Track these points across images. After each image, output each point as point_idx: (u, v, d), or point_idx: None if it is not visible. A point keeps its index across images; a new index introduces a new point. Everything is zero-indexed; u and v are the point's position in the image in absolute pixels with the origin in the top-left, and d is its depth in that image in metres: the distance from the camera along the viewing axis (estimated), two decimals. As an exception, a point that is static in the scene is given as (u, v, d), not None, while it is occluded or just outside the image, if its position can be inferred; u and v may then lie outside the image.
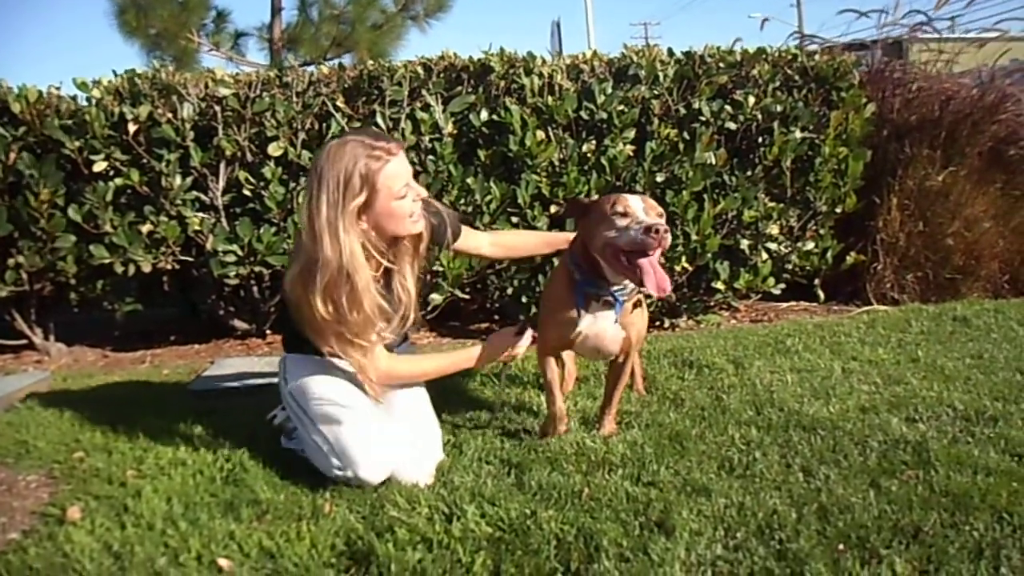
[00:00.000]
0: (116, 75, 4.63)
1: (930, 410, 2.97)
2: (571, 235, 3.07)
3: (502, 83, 4.66)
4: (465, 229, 3.05)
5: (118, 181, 4.42)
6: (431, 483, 2.53)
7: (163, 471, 2.68)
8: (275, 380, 3.74)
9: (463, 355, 2.90)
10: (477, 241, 3.15)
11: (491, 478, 2.50)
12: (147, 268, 4.50)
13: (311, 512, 2.33)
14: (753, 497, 2.27)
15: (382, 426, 2.63)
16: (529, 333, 2.91)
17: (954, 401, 3.05)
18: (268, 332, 5.09)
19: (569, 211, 2.81)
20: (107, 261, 4.45)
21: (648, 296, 2.75)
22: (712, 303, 5.13)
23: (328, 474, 2.55)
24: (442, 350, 4.32)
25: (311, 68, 4.80)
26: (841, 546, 1.99)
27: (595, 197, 2.76)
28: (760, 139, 4.88)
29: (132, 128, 4.36)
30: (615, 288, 2.66)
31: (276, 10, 11.96)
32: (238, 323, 5.03)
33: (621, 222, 2.50)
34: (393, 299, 2.64)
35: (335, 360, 2.70)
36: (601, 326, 2.72)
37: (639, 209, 2.51)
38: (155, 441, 3.00)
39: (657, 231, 2.41)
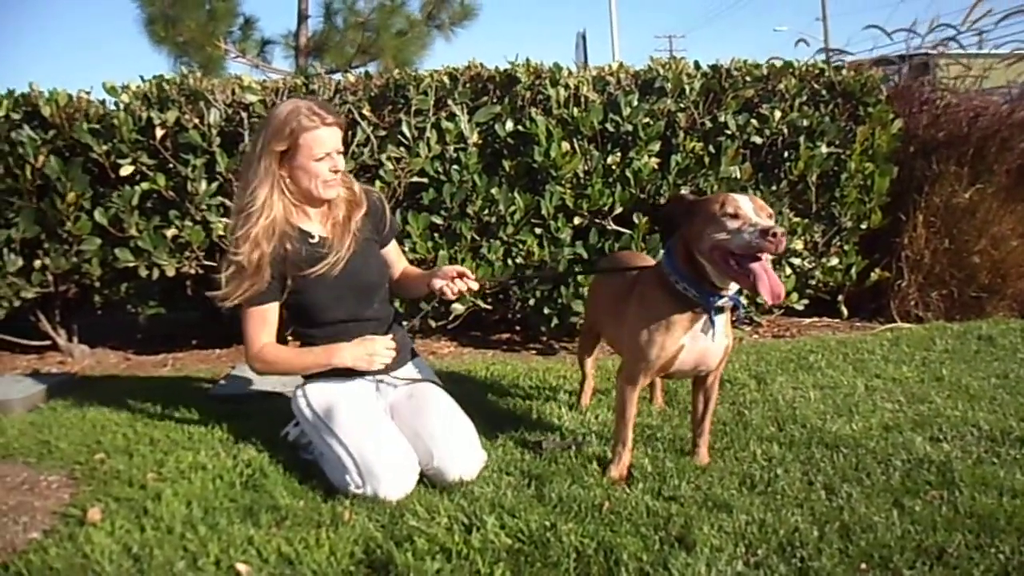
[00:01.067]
0: (144, 80, 4.67)
1: (954, 430, 2.94)
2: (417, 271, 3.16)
3: (528, 94, 4.66)
4: (396, 245, 3.22)
5: (144, 185, 4.44)
6: (475, 476, 2.61)
7: (183, 475, 2.69)
8: (293, 386, 3.79)
9: (325, 356, 2.85)
10: (396, 266, 3.22)
11: (511, 489, 2.49)
12: (171, 272, 4.52)
13: (330, 519, 2.33)
14: (775, 514, 2.25)
15: (400, 442, 2.65)
16: (389, 340, 2.86)
17: (979, 421, 3.02)
18: (289, 338, 5.09)
19: (671, 209, 2.67)
20: (132, 264, 4.47)
21: (733, 300, 2.56)
22: (734, 318, 5.08)
23: (343, 489, 2.54)
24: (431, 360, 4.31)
25: (337, 76, 4.81)
26: (863, 566, 1.98)
27: (697, 197, 2.58)
28: (786, 153, 4.85)
29: (159, 133, 4.39)
30: (729, 292, 2.52)
31: (303, 17, 12.00)
32: (260, 328, 5.03)
33: (732, 224, 2.36)
34: (322, 247, 2.84)
35: (352, 380, 2.86)
36: (708, 337, 2.57)
37: (750, 210, 2.37)
38: (176, 444, 3.02)
39: (775, 234, 2.27)
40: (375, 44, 12.01)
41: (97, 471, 2.80)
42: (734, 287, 2.51)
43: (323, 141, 2.76)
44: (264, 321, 2.85)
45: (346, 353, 2.80)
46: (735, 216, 2.36)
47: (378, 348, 2.82)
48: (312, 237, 2.85)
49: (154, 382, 4.27)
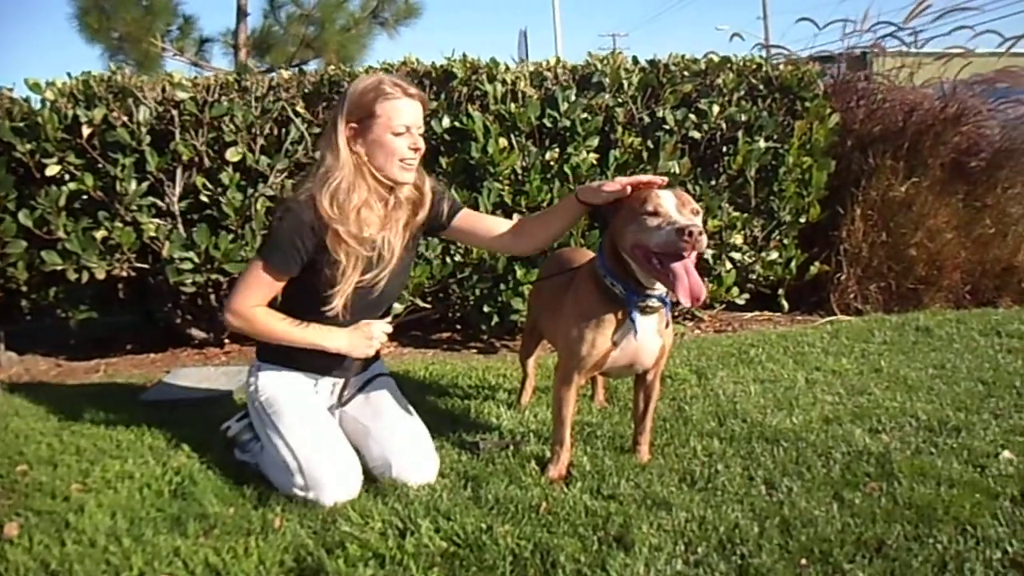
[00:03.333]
0: (71, 77, 4.53)
1: (893, 420, 2.95)
2: (566, 198, 2.83)
3: (464, 89, 4.61)
4: (471, 213, 2.91)
5: (71, 186, 4.31)
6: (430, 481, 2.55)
7: (109, 485, 2.59)
8: (229, 390, 3.71)
9: (320, 337, 2.62)
10: (489, 224, 2.88)
11: (447, 491, 2.44)
12: (101, 275, 4.39)
13: (260, 527, 2.25)
14: (715, 511, 2.23)
15: (348, 449, 2.59)
16: (386, 324, 2.73)
17: (917, 411, 3.04)
18: (226, 341, 4.99)
19: (598, 212, 2.60)
20: (59, 268, 4.33)
21: (677, 303, 2.48)
22: (675, 313, 5.10)
23: (285, 491, 2.48)
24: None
25: (271, 73, 4.72)
26: (804, 561, 1.96)
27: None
28: (724, 148, 4.87)
29: (86, 131, 4.26)
30: (656, 291, 2.45)
31: (242, 14, 11.81)
32: (195, 332, 4.92)
33: (652, 221, 2.29)
34: (376, 251, 2.59)
35: (308, 376, 2.73)
36: (642, 336, 2.50)
37: (671, 207, 2.29)
38: (103, 453, 2.91)
39: (690, 234, 2.19)
40: (318, 39, 11.87)
41: (18, 484, 2.68)
42: (657, 289, 2.45)
43: (403, 112, 2.54)
44: (271, 286, 2.57)
45: (344, 339, 2.63)
46: (655, 213, 2.30)
47: (376, 332, 2.68)
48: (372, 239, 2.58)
49: (84, 389, 4.13)
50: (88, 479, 2.65)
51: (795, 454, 2.64)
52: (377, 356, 2.92)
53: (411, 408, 2.82)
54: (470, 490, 2.44)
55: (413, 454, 2.61)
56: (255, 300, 2.57)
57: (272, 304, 2.63)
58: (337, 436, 2.62)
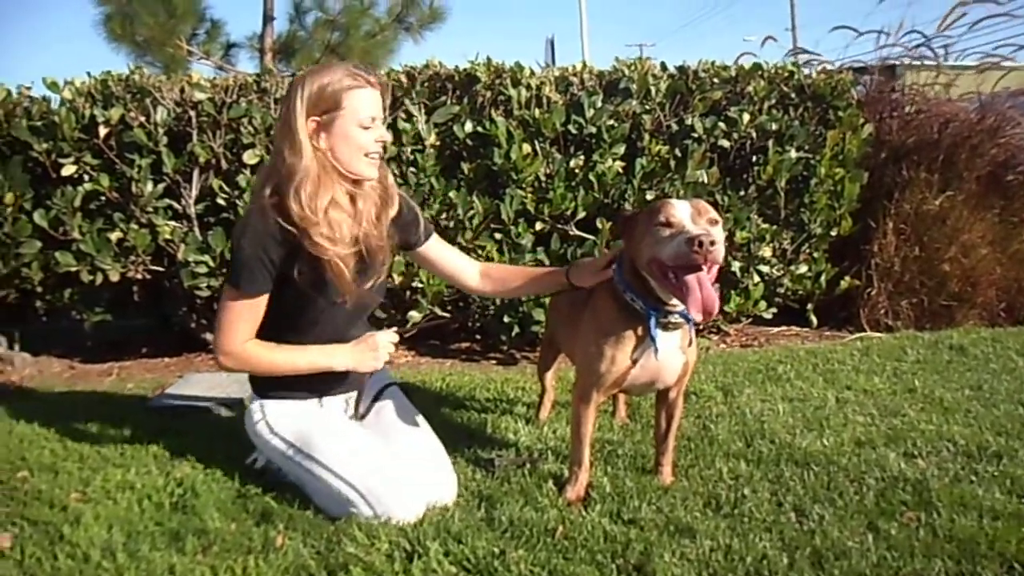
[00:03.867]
0: (90, 76, 4.48)
1: (929, 445, 2.81)
2: (556, 270, 2.86)
3: (488, 94, 4.51)
4: (441, 242, 2.83)
5: (87, 186, 4.25)
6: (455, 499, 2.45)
7: (109, 495, 2.50)
8: (241, 397, 3.61)
9: (324, 358, 2.52)
10: (458, 262, 2.83)
11: (459, 511, 2.32)
12: (115, 277, 4.33)
13: (261, 545, 2.14)
14: (741, 539, 2.10)
15: (399, 460, 2.48)
16: (393, 333, 2.61)
17: (954, 435, 2.90)
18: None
19: (618, 229, 2.49)
20: (74, 269, 4.28)
21: (686, 318, 2.36)
22: (700, 327, 4.97)
23: (342, 514, 2.34)
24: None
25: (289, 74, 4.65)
26: (836, 597, 1.83)
27: (639, 209, 2.37)
28: (754, 158, 4.73)
29: (103, 131, 4.20)
30: (678, 307, 2.30)
31: (268, 19, 11.80)
32: (210, 336, 4.83)
33: (664, 232, 2.18)
34: (363, 249, 2.47)
35: (314, 399, 2.61)
36: (663, 353, 2.38)
37: (685, 217, 2.19)
38: (106, 461, 2.82)
39: (701, 243, 2.07)
40: (343, 44, 11.85)
41: (17, 491, 2.59)
42: (679, 305, 2.30)
43: (371, 103, 2.40)
44: (252, 312, 2.42)
45: (348, 356, 2.52)
46: (668, 224, 2.19)
47: (381, 343, 2.55)
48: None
49: (94, 393, 4.06)
50: (88, 488, 2.56)
51: (826, 479, 2.51)
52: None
53: (425, 422, 2.70)
54: (483, 511, 2.33)
55: (436, 473, 2.51)
56: (242, 334, 2.43)
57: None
58: (380, 450, 2.49)
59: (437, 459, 2.57)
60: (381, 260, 2.53)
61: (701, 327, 4.92)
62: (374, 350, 2.54)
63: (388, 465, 2.42)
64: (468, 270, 2.81)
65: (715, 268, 2.20)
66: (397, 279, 4.29)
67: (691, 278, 2.15)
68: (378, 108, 2.43)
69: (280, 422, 2.54)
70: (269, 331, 2.48)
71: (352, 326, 2.62)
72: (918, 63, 5.86)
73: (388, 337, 2.58)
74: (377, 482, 2.34)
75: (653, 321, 2.32)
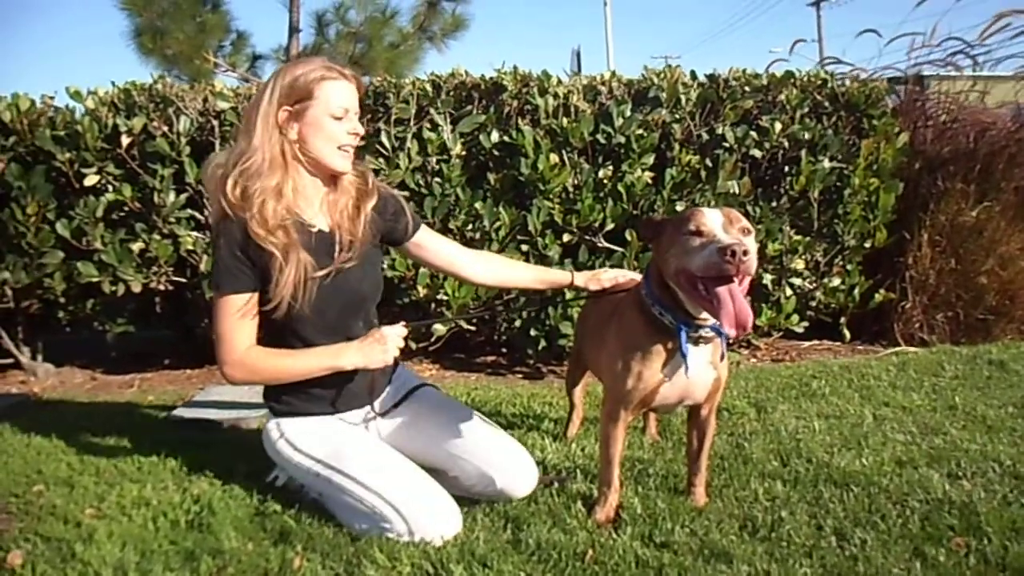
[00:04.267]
0: (113, 86, 4.45)
1: (974, 465, 2.69)
2: (563, 273, 2.80)
3: (515, 103, 4.43)
4: (432, 233, 2.78)
5: (110, 196, 4.23)
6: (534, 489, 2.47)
7: (124, 511, 2.43)
8: (263, 411, 3.54)
9: (331, 357, 2.42)
10: (452, 252, 2.79)
11: (484, 533, 2.23)
12: (137, 288, 4.29)
13: (279, 566, 2.07)
14: (780, 565, 2.00)
15: (428, 477, 2.40)
16: (401, 327, 2.49)
17: (1000, 455, 2.77)
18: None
19: (642, 233, 2.39)
20: (96, 279, 4.25)
21: (718, 332, 2.24)
22: (730, 341, 4.86)
23: (376, 535, 2.27)
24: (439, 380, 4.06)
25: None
26: (884, 630, 1.72)
27: (667, 216, 2.28)
28: (786, 168, 4.62)
29: (125, 141, 4.16)
30: (708, 321, 2.19)
31: (294, 30, 11.83)
32: (233, 348, 4.78)
33: (694, 242, 2.06)
34: (330, 241, 2.43)
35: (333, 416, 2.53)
36: (693, 370, 2.26)
37: (717, 225, 2.07)
38: (122, 476, 2.77)
39: (734, 253, 1.95)
40: (367, 56, 11.87)
41: (32, 506, 2.54)
42: (709, 318, 2.20)
43: (342, 94, 2.37)
44: (245, 314, 2.33)
45: (355, 352, 2.41)
46: (698, 233, 2.07)
47: (389, 335, 2.43)
48: (312, 227, 2.41)
49: (114, 405, 4.02)
50: (103, 504, 2.50)
51: (867, 501, 2.40)
52: (396, 365, 2.70)
53: (478, 415, 2.63)
54: (509, 532, 2.23)
55: (515, 465, 2.47)
56: (241, 339, 2.35)
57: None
58: (413, 467, 2.41)
59: (517, 451, 2.53)
60: (354, 253, 2.44)
61: (732, 342, 4.82)
62: (382, 343, 2.43)
63: (420, 481, 2.35)
64: (463, 259, 2.78)
65: (747, 280, 2.09)
66: (422, 291, 4.22)
67: (723, 290, 2.03)
68: (351, 101, 2.41)
69: (302, 439, 2.46)
70: (272, 344, 2.43)
71: (348, 325, 2.51)
72: (951, 72, 5.73)
73: (396, 331, 2.47)
74: (411, 497, 2.27)
75: (684, 336, 2.21)
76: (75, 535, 2.27)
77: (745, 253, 1.98)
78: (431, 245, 2.74)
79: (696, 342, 2.25)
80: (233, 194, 2.29)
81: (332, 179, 2.46)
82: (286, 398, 2.49)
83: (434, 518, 2.24)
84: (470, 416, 2.59)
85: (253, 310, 2.36)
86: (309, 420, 2.49)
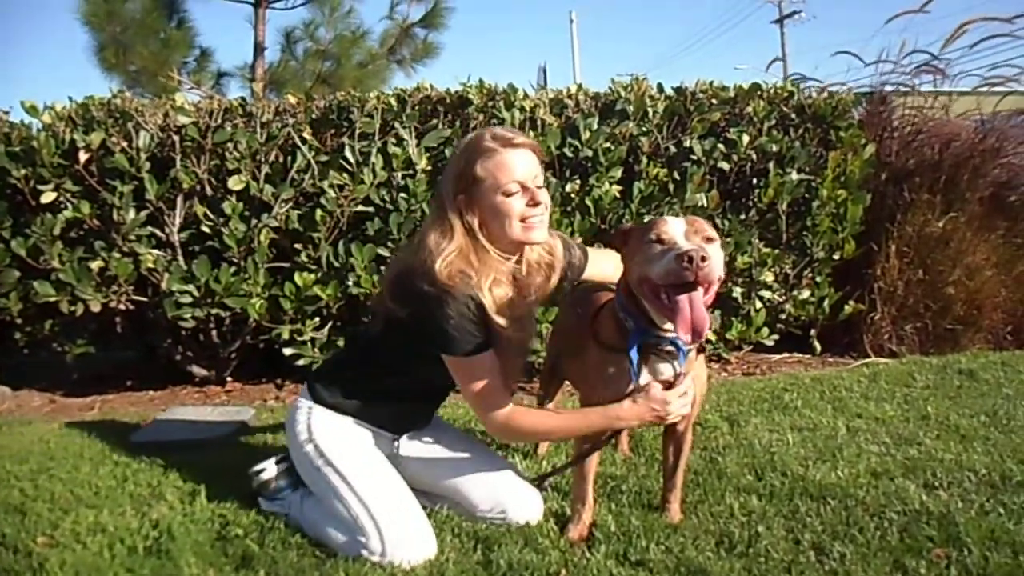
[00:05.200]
0: (71, 101, 4.36)
1: (950, 475, 2.66)
2: None
3: (481, 117, 4.39)
4: (594, 254, 2.74)
5: (67, 213, 4.12)
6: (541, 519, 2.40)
7: (78, 539, 2.34)
8: (226, 432, 3.47)
9: (599, 412, 2.28)
10: (605, 263, 2.69)
11: (454, 554, 2.18)
12: (96, 308, 4.18)
13: (241, 594, 1.99)
14: (758, 581, 1.95)
15: (419, 505, 2.36)
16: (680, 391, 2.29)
17: (975, 464, 2.76)
18: (228, 379, 4.75)
19: (611, 243, 2.36)
20: (53, 299, 4.13)
21: (672, 342, 2.19)
22: (687, 347, 4.82)
23: (346, 551, 2.23)
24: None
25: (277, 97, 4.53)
26: (866, 646, 1.68)
27: (634, 226, 2.27)
28: (754, 180, 4.62)
29: (83, 157, 4.07)
30: (672, 333, 2.14)
31: (259, 49, 11.77)
32: (196, 369, 4.68)
33: (656, 250, 2.05)
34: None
35: (368, 428, 2.49)
36: (645, 381, 2.22)
37: (678, 234, 2.05)
38: (78, 501, 2.67)
39: (691, 259, 1.94)
40: (334, 75, 11.84)
41: (-19, 535, 2.44)
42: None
43: (510, 167, 2.22)
44: (497, 368, 2.26)
45: (631, 413, 2.24)
46: (660, 241, 2.06)
47: (673, 400, 2.23)
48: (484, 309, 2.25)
49: (73, 428, 3.89)
50: (57, 531, 2.40)
51: (844, 514, 2.36)
52: None
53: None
54: (480, 553, 2.18)
55: (524, 492, 2.45)
56: (498, 397, 2.28)
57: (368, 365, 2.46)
58: (409, 492, 2.38)
59: (522, 479, 2.53)
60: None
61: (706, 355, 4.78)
62: (665, 411, 2.25)
63: (408, 505, 2.33)
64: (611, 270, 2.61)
65: (712, 290, 2.06)
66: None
67: (683, 298, 2.00)
68: (523, 171, 2.24)
69: (322, 433, 2.43)
70: (367, 368, 2.45)
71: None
72: (910, 87, 5.75)
73: (680, 393, 2.28)
74: (394, 518, 2.25)
75: (635, 345, 2.18)
76: (25, 565, 2.18)
77: (704, 259, 1.95)
78: (595, 269, 2.71)
79: (658, 354, 2.21)
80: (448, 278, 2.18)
81: (517, 258, 2.36)
82: (336, 397, 2.46)
83: (409, 542, 2.20)
84: (480, 443, 2.62)
85: (496, 365, 2.27)
86: (341, 418, 2.46)
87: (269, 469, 2.60)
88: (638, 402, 2.22)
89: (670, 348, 2.20)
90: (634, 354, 2.18)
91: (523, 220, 2.23)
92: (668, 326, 2.13)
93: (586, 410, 2.33)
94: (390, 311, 2.29)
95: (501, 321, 2.21)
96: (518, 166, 2.23)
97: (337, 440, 2.41)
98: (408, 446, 2.56)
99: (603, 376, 2.25)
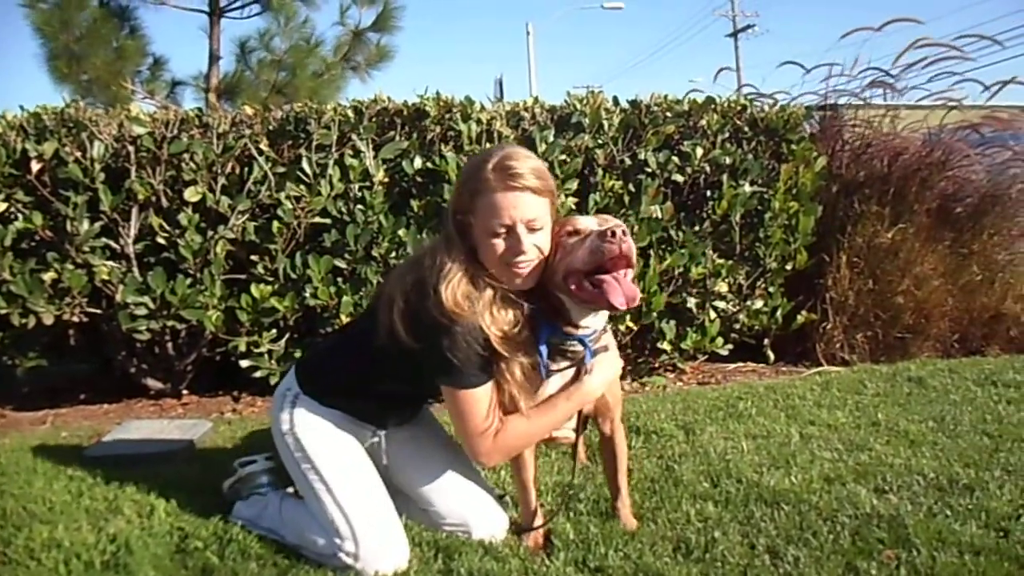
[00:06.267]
0: (22, 109, 4.30)
1: (899, 479, 2.74)
2: None
3: (438, 129, 4.40)
4: None
5: (19, 224, 4.05)
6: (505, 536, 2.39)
7: (32, 555, 2.32)
8: (182, 445, 3.44)
9: (562, 397, 2.25)
10: None
11: (416, 563, 2.20)
12: (49, 320, 4.11)
13: (201, 607, 1.98)
14: (715, 586, 1.99)
15: (395, 513, 2.37)
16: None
17: (924, 469, 2.83)
18: (184, 392, 4.71)
19: None
20: (4, 311, 4.05)
21: (614, 312, 2.22)
22: (657, 364, 4.89)
23: (318, 552, 2.25)
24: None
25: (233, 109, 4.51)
26: (820, 647, 1.72)
27: None
28: (708, 192, 4.68)
29: (36, 167, 4.02)
30: (583, 332, 2.22)
31: (214, 58, 11.69)
32: (151, 382, 4.63)
33: (573, 240, 2.14)
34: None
35: (354, 423, 2.47)
36: (554, 382, 2.27)
37: (591, 222, 2.17)
38: (32, 517, 2.63)
39: (613, 233, 2.02)
40: (289, 84, 11.77)
41: (-69, 553, 2.40)
42: (590, 326, 2.23)
43: (498, 210, 2.12)
44: (493, 400, 2.22)
45: (595, 384, 2.26)
46: (576, 233, 2.16)
47: (613, 359, 2.31)
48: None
49: (24, 443, 3.83)
50: (9, 548, 2.37)
51: (798, 518, 2.42)
52: None
53: (461, 451, 2.50)
54: (441, 562, 2.20)
55: (490, 510, 2.45)
56: (488, 421, 2.20)
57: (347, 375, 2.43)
58: (387, 498, 2.38)
59: (490, 493, 2.53)
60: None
61: (656, 365, 4.84)
62: (615, 369, 2.32)
63: (389, 517, 2.33)
64: None
65: (630, 273, 2.13)
66: (344, 320, 4.15)
67: (608, 276, 2.09)
68: (512, 215, 2.13)
69: (303, 427, 2.41)
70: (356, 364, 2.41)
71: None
72: (862, 100, 5.87)
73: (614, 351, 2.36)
74: (371, 524, 2.26)
75: (544, 340, 2.22)
76: (-21, 582, 2.16)
77: (624, 232, 2.05)
78: None
79: (563, 354, 2.25)
80: (461, 306, 2.13)
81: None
82: (321, 386, 2.45)
83: (384, 551, 2.22)
84: (458, 450, 2.51)
85: (492, 396, 2.22)
86: (326, 411, 2.44)
87: (259, 462, 2.63)
88: (602, 373, 2.26)
89: (576, 347, 2.24)
90: (543, 348, 2.21)
91: (507, 265, 2.16)
92: (585, 323, 2.20)
93: (550, 400, 2.26)
94: (393, 327, 2.19)
95: (505, 349, 2.15)
96: (507, 209, 2.12)
97: (318, 437, 2.40)
98: (389, 440, 2.54)
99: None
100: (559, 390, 2.26)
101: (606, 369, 2.29)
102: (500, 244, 2.14)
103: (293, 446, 2.39)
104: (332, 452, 2.38)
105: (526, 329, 2.21)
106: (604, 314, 2.27)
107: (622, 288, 2.07)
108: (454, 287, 2.11)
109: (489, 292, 2.16)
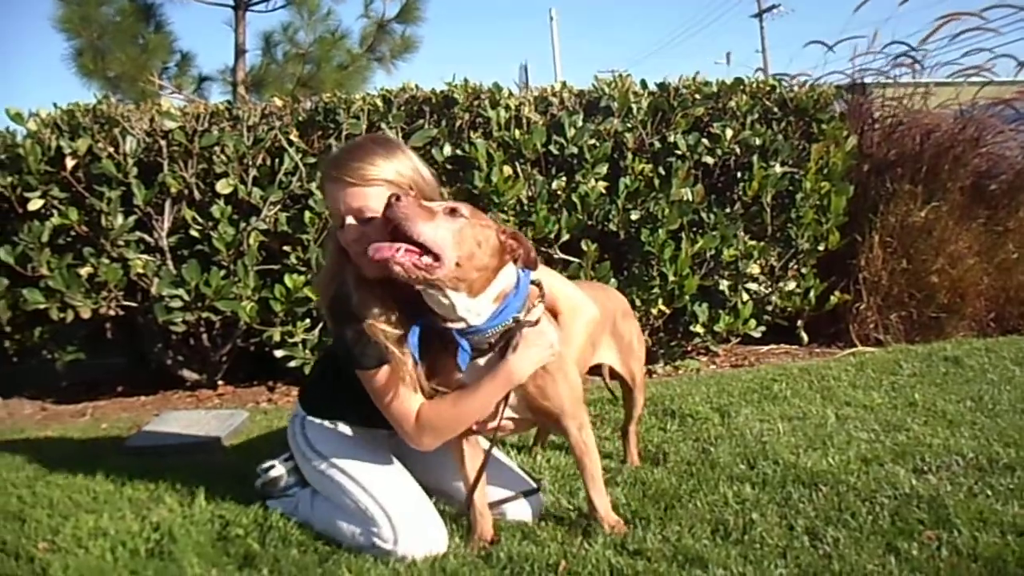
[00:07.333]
0: (56, 107, 4.35)
1: (938, 459, 2.70)
2: None
3: (466, 116, 4.41)
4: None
5: (55, 220, 4.13)
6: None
7: (80, 543, 2.35)
8: (219, 435, 3.48)
9: (488, 379, 2.17)
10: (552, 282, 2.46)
11: (455, 547, 2.19)
12: (86, 314, 4.18)
13: (244, 593, 2.01)
14: (755, 567, 1.98)
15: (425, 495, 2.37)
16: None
17: (962, 449, 2.79)
18: (220, 383, 4.76)
19: None
20: (43, 307, 4.13)
21: (401, 278, 1.99)
22: (690, 347, 4.88)
23: (356, 542, 2.24)
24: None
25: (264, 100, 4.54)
26: (862, 627, 1.71)
27: None
28: (739, 174, 4.66)
29: (70, 163, 4.07)
30: (450, 324, 2.10)
31: (240, 52, 11.73)
32: (187, 373, 4.69)
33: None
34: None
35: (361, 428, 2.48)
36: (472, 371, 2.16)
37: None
38: (77, 507, 2.67)
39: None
40: (315, 77, 11.80)
41: (-19, 542, 2.44)
42: (466, 317, 2.09)
43: (331, 201, 2.20)
44: (396, 383, 2.16)
45: (521, 363, 2.16)
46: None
47: (542, 341, 2.19)
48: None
49: (66, 435, 3.90)
50: (57, 537, 2.40)
51: (836, 499, 2.39)
52: None
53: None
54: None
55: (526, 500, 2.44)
56: (407, 402, 2.17)
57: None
58: (415, 484, 2.39)
59: (524, 478, 2.52)
60: None
61: (690, 348, 4.82)
62: (550, 347, 2.22)
63: (421, 500, 2.34)
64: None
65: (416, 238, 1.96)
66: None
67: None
68: (337, 206, 2.17)
69: (320, 440, 2.45)
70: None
71: None
72: (891, 79, 5.80)
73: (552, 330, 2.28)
74: (404, 509, 2.26)
75: (416, 333, 2.12)
76: (28, 571, 2.19)
77: (396, 199, 1.95)
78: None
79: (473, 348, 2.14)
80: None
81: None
82: (325, 402, 2.49)
83: (421, 532, 2.22)
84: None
85: (404, 375, 2.16)
86: (335, 424, 2.48)
87: (277, 467, 2.61)
88: (532, 351, 2.17)
89: (484, 335, 2.13)
90: (413, 339, 2.11)
91: (358, 251, 2.12)
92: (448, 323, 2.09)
93: (476, 383, 2.17)
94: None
95: (378, 336, 2.10)
96: (336, 201, 2.17)
97: (334, 442, 2.43)
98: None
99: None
100: (484, 372, 2.18)
101: (533, 351, 2.17)
102: (343, 235, 2.17)
103: (314, 459, 2.42)
104: (351, 451, 2.41)
105: (395, 315, 2.13)
106: (485, 300, 2.09)
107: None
108: (328, 279, 2.23)
109: (353, 282, 2.16)
